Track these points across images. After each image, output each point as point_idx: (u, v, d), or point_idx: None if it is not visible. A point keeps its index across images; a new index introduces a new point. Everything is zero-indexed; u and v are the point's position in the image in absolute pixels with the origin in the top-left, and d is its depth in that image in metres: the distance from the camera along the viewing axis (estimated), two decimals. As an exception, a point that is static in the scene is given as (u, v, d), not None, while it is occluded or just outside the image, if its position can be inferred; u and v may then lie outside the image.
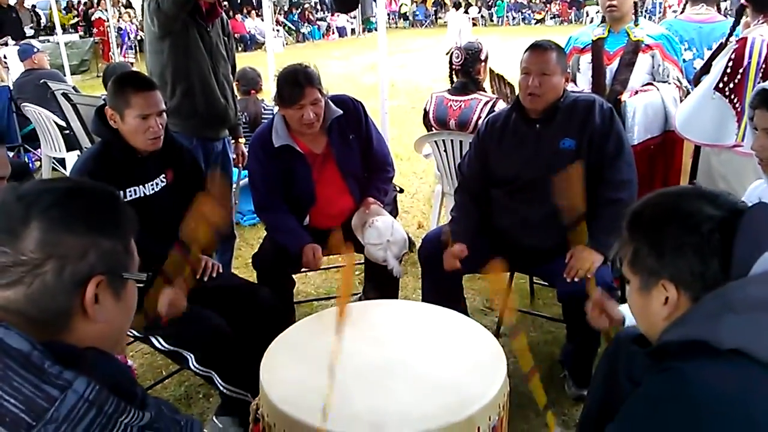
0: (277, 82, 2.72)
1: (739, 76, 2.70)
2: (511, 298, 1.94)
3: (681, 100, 3.22)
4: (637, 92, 3.19)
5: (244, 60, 5.89)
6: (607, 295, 1.96)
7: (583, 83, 3.37)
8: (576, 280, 2.43)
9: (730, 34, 2.99)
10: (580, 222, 2.16)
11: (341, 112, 2.82)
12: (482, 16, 29.26)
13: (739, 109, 2.73)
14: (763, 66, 2.66)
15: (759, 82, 2.66)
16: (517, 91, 2.78)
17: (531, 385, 1.70)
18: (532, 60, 2.53)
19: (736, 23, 3.02)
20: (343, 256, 1.83)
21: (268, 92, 5.25)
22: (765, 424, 0.99)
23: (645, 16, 17.99)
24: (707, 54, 3.55)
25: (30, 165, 5.76)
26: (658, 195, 1.28)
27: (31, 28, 16.61)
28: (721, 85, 2.76)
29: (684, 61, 3.55)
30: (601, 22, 3.45)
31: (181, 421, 0.98)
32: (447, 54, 3.70)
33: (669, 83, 3.22)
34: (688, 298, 1.18)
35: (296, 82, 2.64)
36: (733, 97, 2.73)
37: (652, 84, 3.23)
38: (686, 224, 1.18)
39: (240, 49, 19.36)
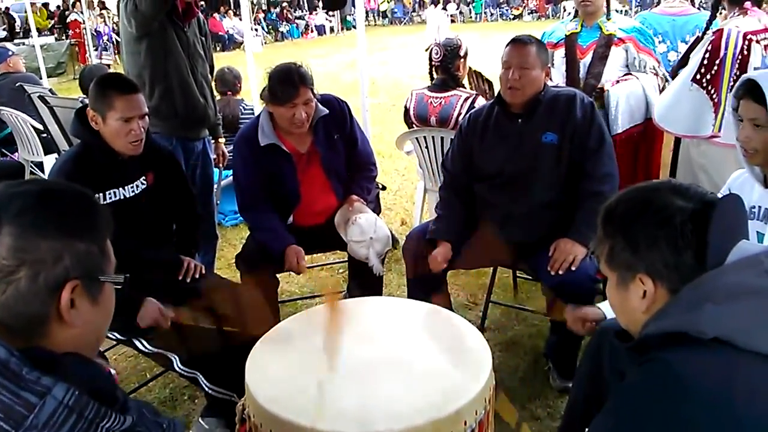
0: (270, 80, 2.69)
1: (715, 68, 2.74)
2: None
3: (660, 88, 3.25)
4: (618, 81, 3.22)
5: (222, 60, 5.86)
6: (577, 307, 1.99)
7: (557, 77, 3.40)
8: (560, 272, 2.45)
9: (707, 28, 3.03)
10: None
11: (327, 111, 2.81)
12: (460, 12, 29.30)
13: (716, 100, 2.77)
14: (740, 57, 2.69)
15: (735, 73, 2.70)
16: (496, 87, 2.80)
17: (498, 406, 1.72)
18: (512, 54, 2.54)
19: (713, 16, 3.06)
20: (328, 297, 1.91)
21: (248, 92, 5.25)
22: (746, 409, 1.00)
23: (622, 12, 18.14)
24: (681, 46, 3.61)
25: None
26: (631, 191, 1.30)
27: (3, 29, 16.40)
28: (698, 76, 2.80)
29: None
30: (574, 16, 3.49)
31: (163, 423, 0.97)
32: (426, 51, 3.70)
33: (647, 73, 3.26)
34: (665, 291, 1.20)
35: (290, 82, 2.63)
36: (710, 88, 2.77)
37: (631, 74, 3.26)
38: (659, 217, 1.20)
39: (218, 48, 19.25)
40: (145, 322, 2.24)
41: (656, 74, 3.27)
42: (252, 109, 4.89)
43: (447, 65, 3.59)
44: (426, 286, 2.69)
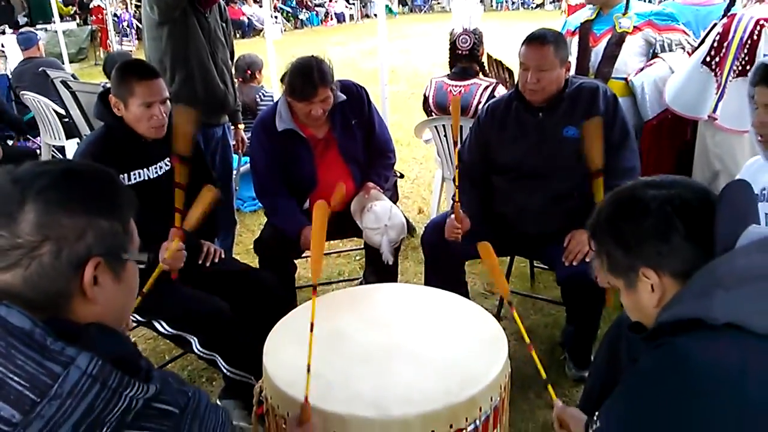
0: (291, 73, 2.69)
1: (723, 51, 2.77)
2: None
3: None
4: (642, 69, 3.16)
5: (242, 47, 5.86)
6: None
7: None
8: (574, 263, 2.44)
9: (724, 15, 2.99)
10: (597, 176, 2.28)
11: (345, 97, 2.82)
12: (482, 1, 29.01)
13: (720, 82, 2.77)
14: (748, 42, 2.70)
15: (742, 58, 2.71)
16: (516, 76, 2.77)
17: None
18: (529, 56, 2.48)
19: (731, 4, 3.02)
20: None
21: (267, 79, 5.27)
22: (758, 393, 1.00)
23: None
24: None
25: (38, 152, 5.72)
26: (608, 198, 1.35)
27: (24, 16, 16.50)
28: (707, 59, 2.84)
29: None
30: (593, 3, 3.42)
31: (188, 392, 0.98)
32: (450, 36, 3.67)
33: (674, 51, 3.18)
34: (670, 278, 1.21)
35: (310, 80, 2.63)
36: (717, 70, 2.81)
37: (657, 57, 3.19)
38: (636, 210, 1.24)
39: (238, 35, 19.25)
40: (165, 255, 2.24)
41: (684, 48, 3.18)
42: (271, 96, 4.91)
43: (475, 52, 3.58)
44: (443, 275, 2.69)
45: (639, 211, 1.23)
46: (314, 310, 1.60)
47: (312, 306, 1.60)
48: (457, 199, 2.59)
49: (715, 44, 2.80)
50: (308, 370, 1.53)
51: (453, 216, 2.60)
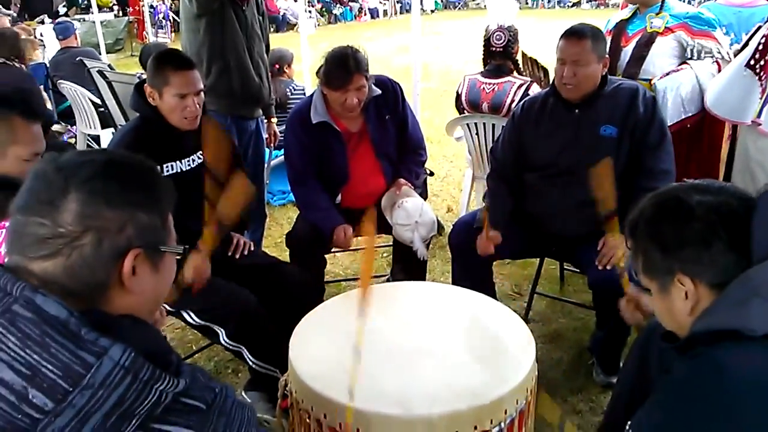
0: (326, 63, 2.70)
1: None
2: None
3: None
4: (668, 74, 3.11)
5: (276, 41, 5.85)
6: (641, 289, 1.95)
7: None
8: (608, 267, 2.41)
9: None
10: (612, 217, 2.18)
11: (380, 91, 2.82)
12: (517, -1, 28.74)
13: (765, 86, 2.71)
14: None
15: None
16: (551, 75, 2.74)
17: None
18: (566, 50, 2.47)
19: None
20: (364, 238, 1.93)
21: (300, 73, 5.29)
22: None
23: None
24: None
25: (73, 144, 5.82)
26: (650, 198, 1.32)
27: (63, 6, 16.76)
28: (752, 62, 2.76)
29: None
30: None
31: (215, 388, 0.98)
32: (484, 33, 3.64)
33: (703, 59, 3.12)
34: (706, 288, 1.19)
35: (346, 68, 2.63)
36: (762, 74, 2.74)
37: (686, 63, 3.13)
38: (680, 213, 1.22)
39: (272, 29, 19.33)
40: (189, 273, 2.26)
41: (718, 59, 3.11)
42: (303, 90, 4.92)
43: (509, 50, 3.55)
44: (471, 275, 2.67)
45: (684, 215, 1.21)
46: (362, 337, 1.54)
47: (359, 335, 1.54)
48: (486, 213, 2.60)
49: (761, 47, 2.72)
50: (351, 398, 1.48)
51: (483, 234, 2.60)
